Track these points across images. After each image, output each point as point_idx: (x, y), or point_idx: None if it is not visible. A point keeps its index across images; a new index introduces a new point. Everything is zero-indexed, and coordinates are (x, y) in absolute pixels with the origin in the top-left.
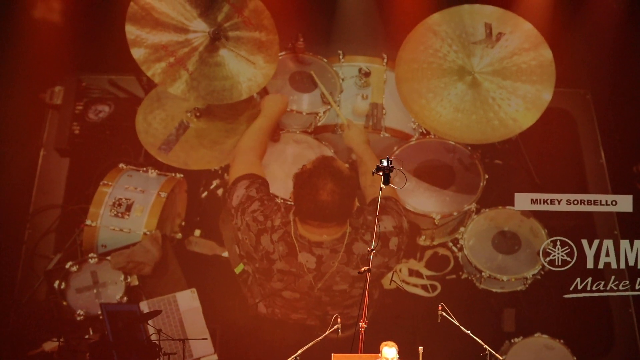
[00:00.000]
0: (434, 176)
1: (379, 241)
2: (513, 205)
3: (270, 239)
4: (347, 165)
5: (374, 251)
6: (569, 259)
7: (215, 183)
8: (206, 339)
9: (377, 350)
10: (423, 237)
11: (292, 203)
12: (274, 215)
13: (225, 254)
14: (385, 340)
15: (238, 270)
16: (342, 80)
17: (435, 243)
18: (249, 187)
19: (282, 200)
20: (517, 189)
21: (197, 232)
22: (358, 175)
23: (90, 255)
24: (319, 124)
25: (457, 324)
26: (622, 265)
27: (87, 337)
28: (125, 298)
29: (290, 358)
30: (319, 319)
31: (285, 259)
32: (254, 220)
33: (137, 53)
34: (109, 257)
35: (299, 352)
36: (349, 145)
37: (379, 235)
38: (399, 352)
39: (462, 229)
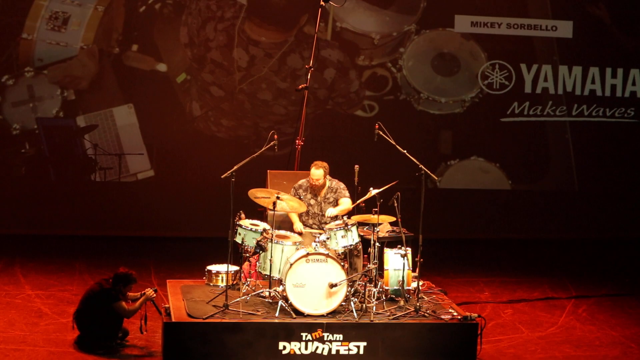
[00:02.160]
0: None
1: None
2: (453, 27)
3: (215, 27)
4: None
5: (312, 68)
6: (507, 82)
7: None
8: (142, 154)
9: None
10: (362, 57)
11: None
12: (226, 8)
13: (163, 68)
14: (320, 159)
15: (180, 79)
16: None
17: (374, 63)
18: None
19: None
20: (458, 10)
21: (135, 47)
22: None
23: (26, 69)
24: None
25: (394, 143)
26: (560, 91)
27: (23, 151)
28: (61, 113)
29: (227, 173)
30: (249, 130)
31: (221, 50)
32: (207, 8)
33: None
34: (45, 71)
35: (235, 167)
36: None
37: (318, 56)
38: (334, 170)
39: (401, 49)
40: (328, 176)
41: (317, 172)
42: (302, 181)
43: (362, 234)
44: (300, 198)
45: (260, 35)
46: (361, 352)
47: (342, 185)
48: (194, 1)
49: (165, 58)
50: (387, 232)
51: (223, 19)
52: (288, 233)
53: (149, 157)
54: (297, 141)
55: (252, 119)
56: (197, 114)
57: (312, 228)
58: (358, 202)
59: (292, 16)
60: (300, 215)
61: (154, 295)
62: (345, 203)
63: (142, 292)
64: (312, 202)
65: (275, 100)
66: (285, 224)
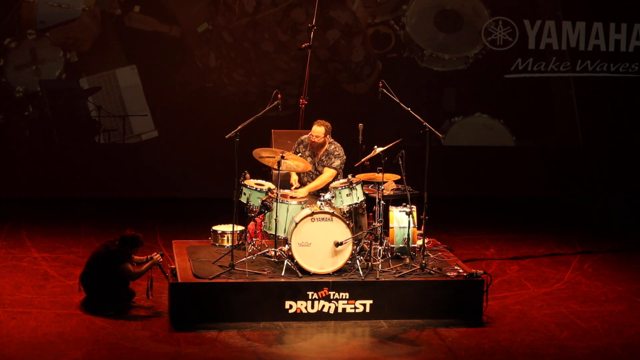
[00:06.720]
0: None
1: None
2: None
3: None
4: None
5: (315, 27)
6: (510, 38)
7: None
8: (146, 115)
9: None
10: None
11: None
12: None
13: (165, 29)
14: (324, 118)
15: (201, 28)
16: None
17: (376, 21)
18: None
19: None
20: None
21: (137, 8)
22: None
23: (28, 31)
24: None
25: (397, 100)
26: (564, 47)
27: (26, 114)
28: (64, 75)
29: (231, 133)
30: (257, 87)
31: None
32: None
33: None
34: (47, 33)
35: (239, 127)
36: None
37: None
38: (337, 129)
39: (404, 6)
40: (330, 139)
41: (319, 129)
42: (304, 137)
43: (367, 192)
44: (299, 154)
45: None
46: (367, 310)
47: (338, 153)
48: None
49: (180, 13)
50: (392, 190)
51: None
52: (293, 192)
53: (153, 118)
54: (300, 100)
55: (260, 75)
56: (212, 64)
57: (305, 186)
58: (362, 160)
59: None
60: (298, 172)
61: (161, 260)
62: (324, 175)
63: (149, 256)
64: (309, 160)
65: (277, 54)
66: (288, 183)
